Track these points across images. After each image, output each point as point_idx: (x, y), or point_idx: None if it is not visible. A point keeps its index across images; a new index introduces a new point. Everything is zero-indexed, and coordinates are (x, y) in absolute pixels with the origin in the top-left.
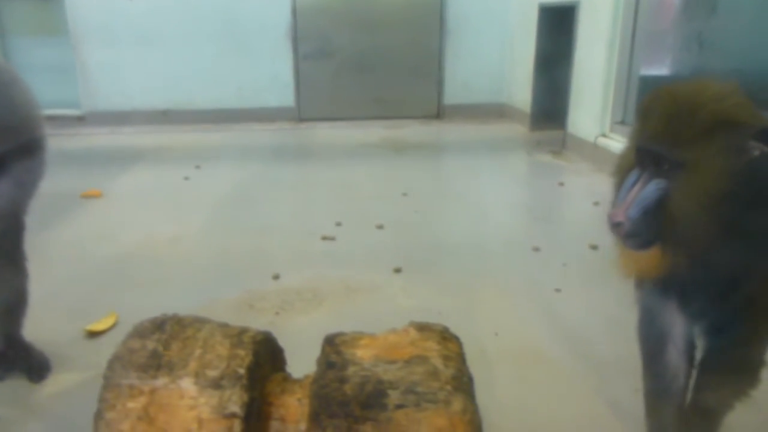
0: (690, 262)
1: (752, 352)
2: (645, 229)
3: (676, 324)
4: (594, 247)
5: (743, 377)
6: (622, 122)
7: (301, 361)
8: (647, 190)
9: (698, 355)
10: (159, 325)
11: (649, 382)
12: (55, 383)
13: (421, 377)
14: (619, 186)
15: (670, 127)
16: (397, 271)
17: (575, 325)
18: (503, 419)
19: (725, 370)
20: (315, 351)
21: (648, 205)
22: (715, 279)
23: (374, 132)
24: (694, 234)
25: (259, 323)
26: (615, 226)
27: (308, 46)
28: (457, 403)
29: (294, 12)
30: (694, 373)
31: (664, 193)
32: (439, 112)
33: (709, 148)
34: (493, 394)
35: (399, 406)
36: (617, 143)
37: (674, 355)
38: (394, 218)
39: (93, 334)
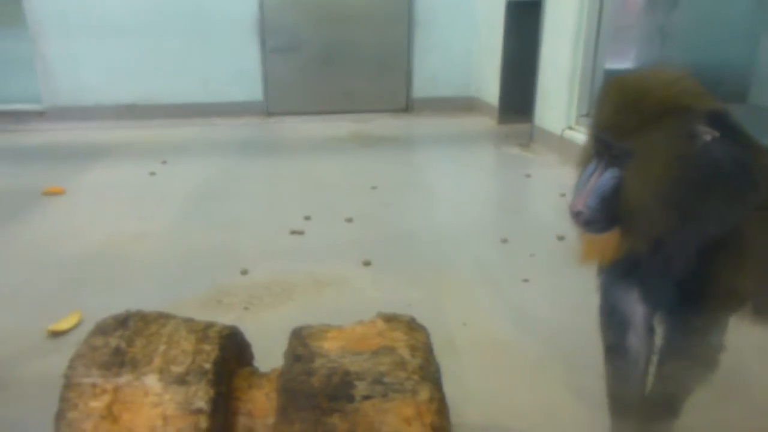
0: (646, 247)
1: (710, 335)
2: (603, 217)
3: (636, 309)
4: (561, 238)
5: (702, 361)
6: (588, 115)
7: (270, 356)
8: (603, 178)
9: (658, 340)
10: (122, 321)
11: (610, 367)
12: (15, 384)
13: (388, 368)
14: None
15: (619, 116)
16: (366, 264)
17: (543, 314)
18: (470, 407)
19: (684, 354)
20: (284, 345)
21: (604, 194)
22: (671, 264)
23: (343, 126)
24: (647, 219)
25: (227, 319)
26: (575, 215)
27: (276, 39)
28: (424, 393)
29: (261, 4)
30: (654, 358)
31: (618, 181)
32: (408, 106)
33: (656, 135)
34: (460, 383)
35: (366, 397)
36: (583, 135)
37: (634, 340)
38: (364, 211)
39: (56, 334)
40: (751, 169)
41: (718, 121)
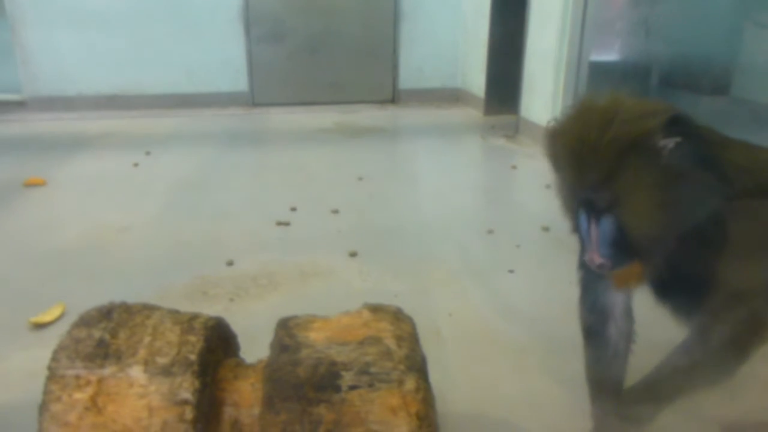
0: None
1: (714, 343)
2: (621, 257)
3: (616, 302)
4: (546, 229)
5: (704, 367)
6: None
7: (256, 347)
8: (602, 227)
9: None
10: (106, 313)
11: (590, 355)
12: None
13: (375, 358)
14: (573, 222)
15: (584, 172)
16: (353, 255)
17: (528, 305)
18: (456, 396)
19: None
20: (270, 336)
21: (611, 239)
22: (678, 271)
23: (329, 117)
24: (658, 244)
25: (213, 310)
26: (599, 269)
27: (261, 28)
28: (410, 382)
29: None
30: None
31: (616, 224)
32: (394, 97)
33: (628, 174)
34: (446, 372)
35: (352, 387)
36: None
37: (614, 332)
38: (350, 203)
39: (39, 326)
40: (719, 161)
41: (673, 125)
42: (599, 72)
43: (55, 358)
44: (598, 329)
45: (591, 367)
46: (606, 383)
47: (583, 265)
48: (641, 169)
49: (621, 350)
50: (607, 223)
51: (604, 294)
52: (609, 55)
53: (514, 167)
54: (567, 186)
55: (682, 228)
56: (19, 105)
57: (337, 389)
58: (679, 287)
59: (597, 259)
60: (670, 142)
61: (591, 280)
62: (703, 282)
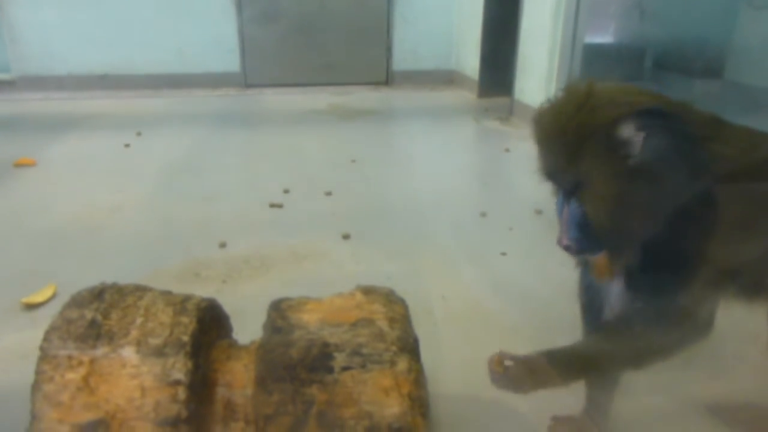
0: (633, 254)
1: (694, 309)
2: (589, 242)
3: (613, 285)
4: (539, 212)
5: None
6: None
7: (249, 328)
8: (571, 210)
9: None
10: (98, 294)
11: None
12: None
13: (367, 339)
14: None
15: (553, 155)
16: (346, 237)
17: (520, 287)
18: (448, 378)
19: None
20: (263, 318)
21: (578, 223)
22: (652, 256)
23: (322, 98)
24: (622, 233)
25: (205, 292)
26: (566, 249)
27: (253, 8)
28: (403, 363)
29: None
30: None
31: (582, 210)
32: (388, 79)
33: (591, 159)
34: (438, 354)
35: (345, 368)
36: None
37: (610, 315)
38: (343, 185)
39: (30, 306)
40: (698, 150)
41: (646, 116)
42: (594, 54)
43: (47, 339)
44: (596, 311)
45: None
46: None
47: None
48: (602, 159)
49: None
50: (575, 208)
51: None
52: (603, 37)
53: (507, 150)
54: (540, 167)
55: (645, 223)
56: (8, 84)
57: (330, 370)
58: (648, 282)
59: (564, 240)
60: (635, 135)
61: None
62: (672, 279)
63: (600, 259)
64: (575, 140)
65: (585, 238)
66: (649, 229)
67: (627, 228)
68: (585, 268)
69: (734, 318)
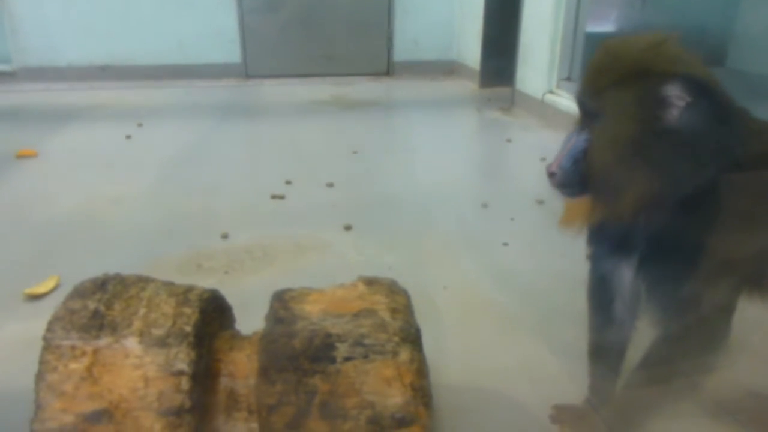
0: (616, 214)
1: (704, 314)
2: (575, 180)
3: (623, 277)
4: (540, 202)
5: (700, 341)
6: (569, 79)
7: (252, 319)
8: (578, 140)
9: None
10: (100, 284)
11: (593, 332)
12: None
13: (369, 330)
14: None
15: (593, 77)
16: (348, 228)
17: (522, 277)
18: (450, 368)
19: (679, 334)
20: (265, 308)
21: (577, 156)
22: (652, 231)
23: (324, 89)
24: (609, 184)
25: (208, 283)
26: (549, 176)
27: None
28: (405, 354)
29: None
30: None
31: (588, 144)
32: (389, 69)
33: (622, 96)
34: (440, 344)
35: (347, 359)
36: (564, 100)
37: (620, 307)
38: (345, 176)
39: (33, 297)
40: (725, 134)
41: (695, 87)
42: (596, 43)
43: (50, 329)
44: (605, 303)
45: (594, 340)
46: (607, 358)
47: (593, 239)
48: (636, 102)
49: (625, 326)
50: (582, 141)
51: (614, 268)
52: (605, 26)
53: (509, 140)
54: (578, 87)
55: (642, 186)
56: (9, 76)
57: (332, 360)
58: (643, 245)
59: (553, 167)
60: (680, 97)
61: (601, 254)
62: (677, 247)
63: (574, 203)
64: (622, 72)
65: (573, 174)
66: (644, 197)
67: (620, 181)
68: (596, 259)
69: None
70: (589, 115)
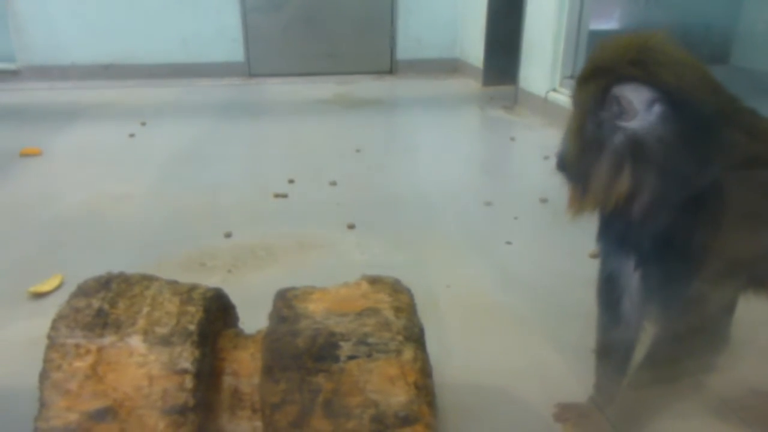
0: (594, 205)
1: (708, 310)
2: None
3: (631, 276)
4: (544, 201)
5: (701, 339)
6: (572, 77)
7: (255, 318)
8: None
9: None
10: (104, 283)
11: (601, 330)
12: None
13: (373, 328)
14: None
15: (585, 72)
16: (351, 227)
17: (525, 276)
18: (454, 367)
19: (678, 331)
20: (269, 307)
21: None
22: (647, 229)
23: (327, 87)
24: (574, 173)
25: (211, 281)
26: (556, 158)
27: None
28: (408, 352)
29: None
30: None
31: None
32: (392, 68)
33: (579, 92)
34: (444, 343)
35: (351, 357)
36: (567, 98)
37: (628, 306)
38: (348, 175)
39: (37, 296)
40: (712, 136)
41: (650, 92)
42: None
43: (54, 327)
44: (613, 302)
45: (601, 338)
46: (614, 357)
47: (602, 237)
48: (585, 100)
49: (633, 325)
50: None
51: (623, 267)
52: (609, 23)
53: (512, 139)
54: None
55: (592, 182)
56: (13, 74)
57: (336, 359)
58: (642, 242)
59: (557, 150)
60: (642, 102)
61: (610, 252)
62: (676, 246)
63: (573, 194)
64: (591, 69)
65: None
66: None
67: (577, 171)
68: (606, 257)
69: (740, 302)
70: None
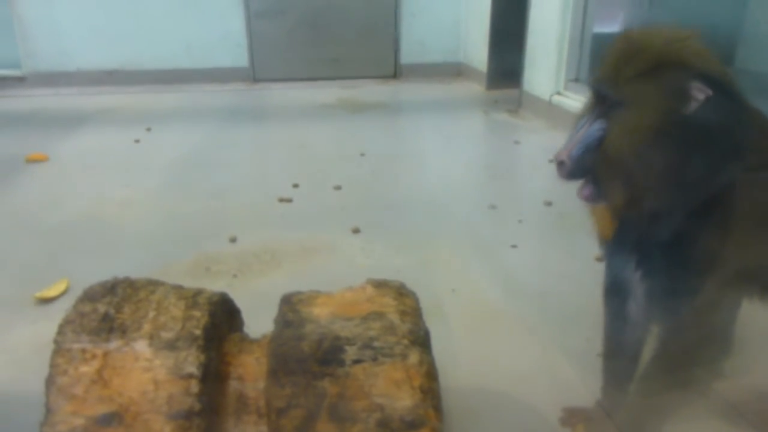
0: (627, 208)
1: (713, 315)
2: (582, 170)
3: (637, 279)
4: (549, 204)
5: (706, 344)
6: (576, 80)
7: (261, 322)
8: (591, 129)
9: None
10: (110, 288)
11: (608, 335)
12: (3, 350)
13: (378, 332)
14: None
15: (615, 67)
16: (356, 231)
17: (530, 279)
18: (459, 370)
19: (683, 336)
20: (274, 312)
21: (589, 145)
22: (661, 230)
23: (331, 92)
24: (622, 175)
25: (216, 286)
26: (558, 166)
27: (260, 3)
28: (414, 356)
29: None
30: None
31: (602, 135)
32: (396, 72)
33: (646, 88)
34: (449, 347)
35: (356, 361)
36: (571, 101)
37: (634, 309)
38: (352, 179)
39: (43, 301)
40: (742, 132)
41: (716, 83)
42: (603, 44)
43: (60, 332)
44: (620, 306)
45: (608, 341)
46: (621, 360)
47: (608, 241)
48: (659, 94)
49: (641, 328)
50: (598, 128)
51: (629, 270)
52: (612, 26)
53: (516, 142)
54: (594, 73)
55: (671, 179)
56: (19, 80)
57: (341, 363)
58: (650, 245)
59: (563, 155)
60: (700, 90)
61: (613, 255)
62: (685, 248)
63: (600, 210)
64: (647, 63)
65: (583, 164)
66: (660, 188)
67: (638, 170)
68: (611, 261)
69: (749, 307)
70: (607, 105)
